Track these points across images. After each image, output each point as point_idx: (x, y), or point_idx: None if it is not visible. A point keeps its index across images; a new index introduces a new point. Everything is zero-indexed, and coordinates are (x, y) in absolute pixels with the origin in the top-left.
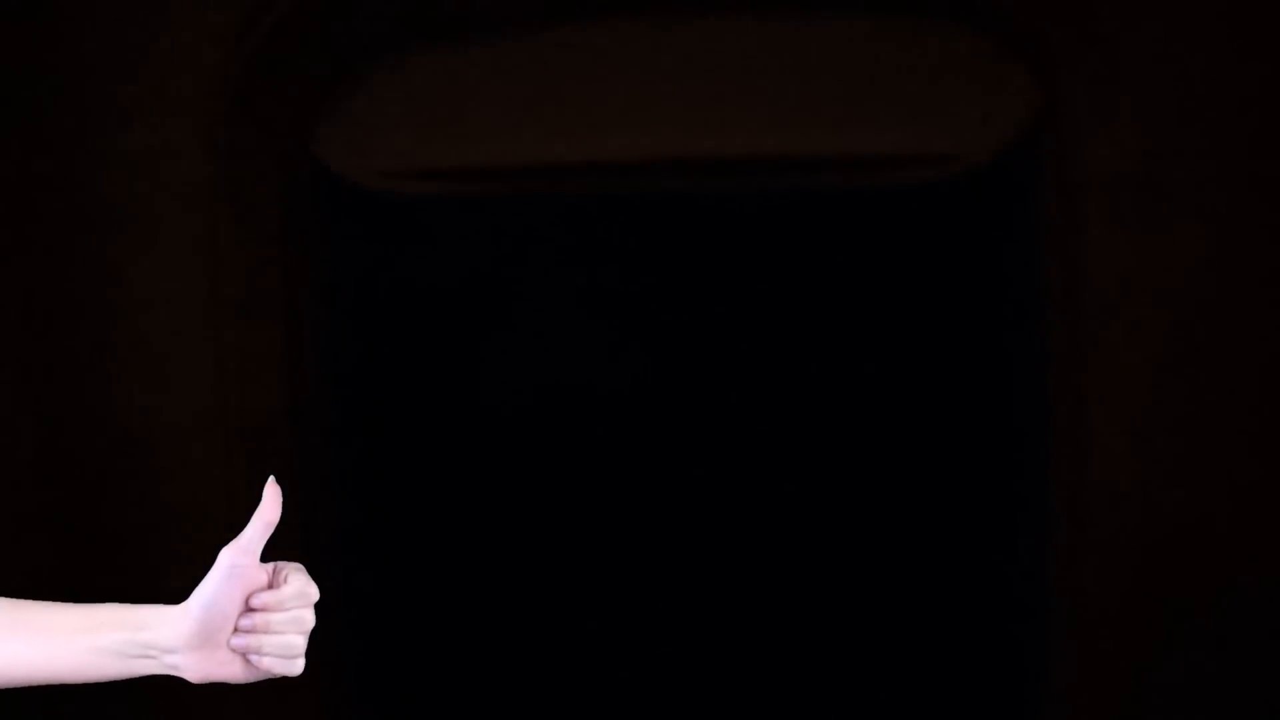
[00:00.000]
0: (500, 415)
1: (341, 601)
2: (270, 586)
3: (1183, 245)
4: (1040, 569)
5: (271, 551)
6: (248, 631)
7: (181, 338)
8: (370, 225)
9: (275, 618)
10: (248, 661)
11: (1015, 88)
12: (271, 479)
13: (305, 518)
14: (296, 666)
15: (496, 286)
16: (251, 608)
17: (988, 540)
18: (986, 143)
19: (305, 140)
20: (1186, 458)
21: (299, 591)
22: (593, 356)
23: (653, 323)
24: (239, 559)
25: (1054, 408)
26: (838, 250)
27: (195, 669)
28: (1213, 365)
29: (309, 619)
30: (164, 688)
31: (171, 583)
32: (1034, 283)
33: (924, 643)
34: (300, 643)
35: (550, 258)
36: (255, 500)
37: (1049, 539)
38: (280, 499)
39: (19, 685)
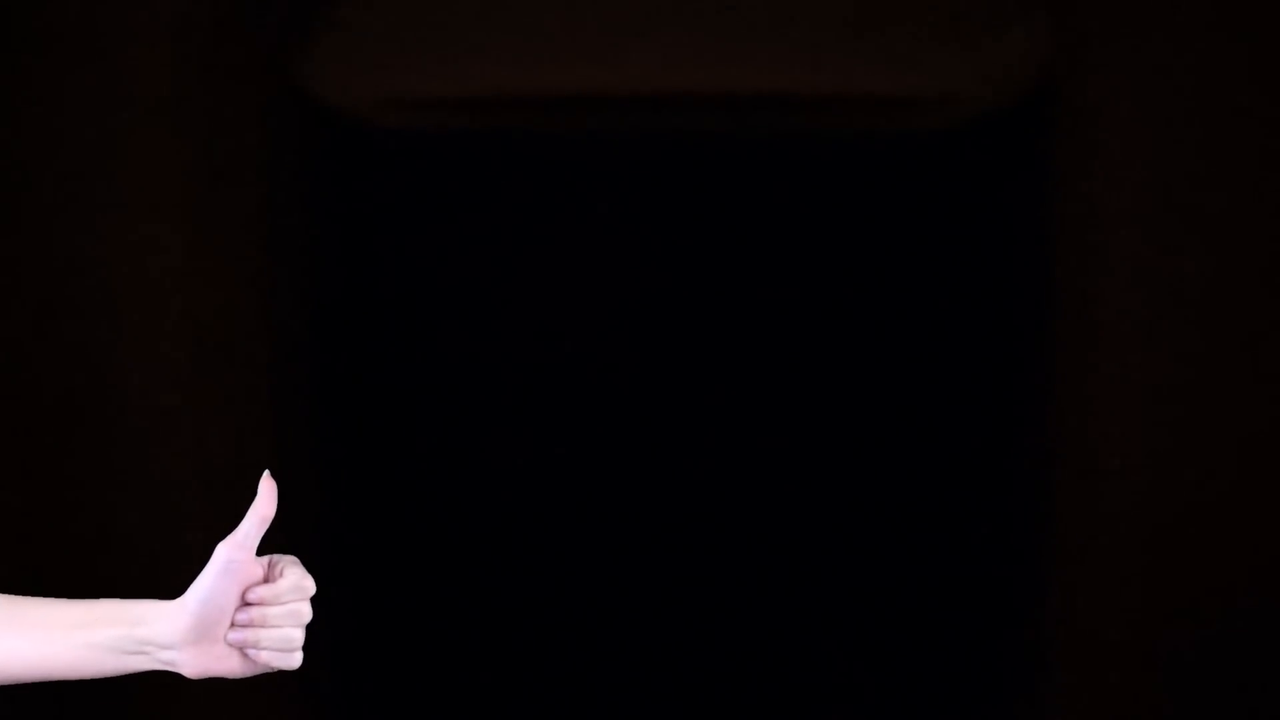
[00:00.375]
0: (486, 360)
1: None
2: (266, 580)
3: (1203, 206)
4: (1040, 542)
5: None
6: (244, 626)
7: (154, 279)
8: (357, 158)
9: (272, 611)
10: (245, 656)
11: (1033, 30)
12: (266, 473)
13: (283, 462)
14: (294, 660)
15: (488, 225)
16: (248, 602)
17: (983, 510)
18: (999, 88)
19: (288, 67)
20: (1198, 430)
21: (295, 585)
22: (576, 305)
23: (637, 267)
24: (235, 554)
25: (1059, 369)
26: (834, 197)
27: (192, 664)
28: (1232, 325)
29: (306, 612)
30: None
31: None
32: (1042, 240)
33: (922, 623)
34: (298, 636)
35: (535, 196)
36: (231, 452)
37: (1052, 499)
38: (275, 493)
39: (13, 682)
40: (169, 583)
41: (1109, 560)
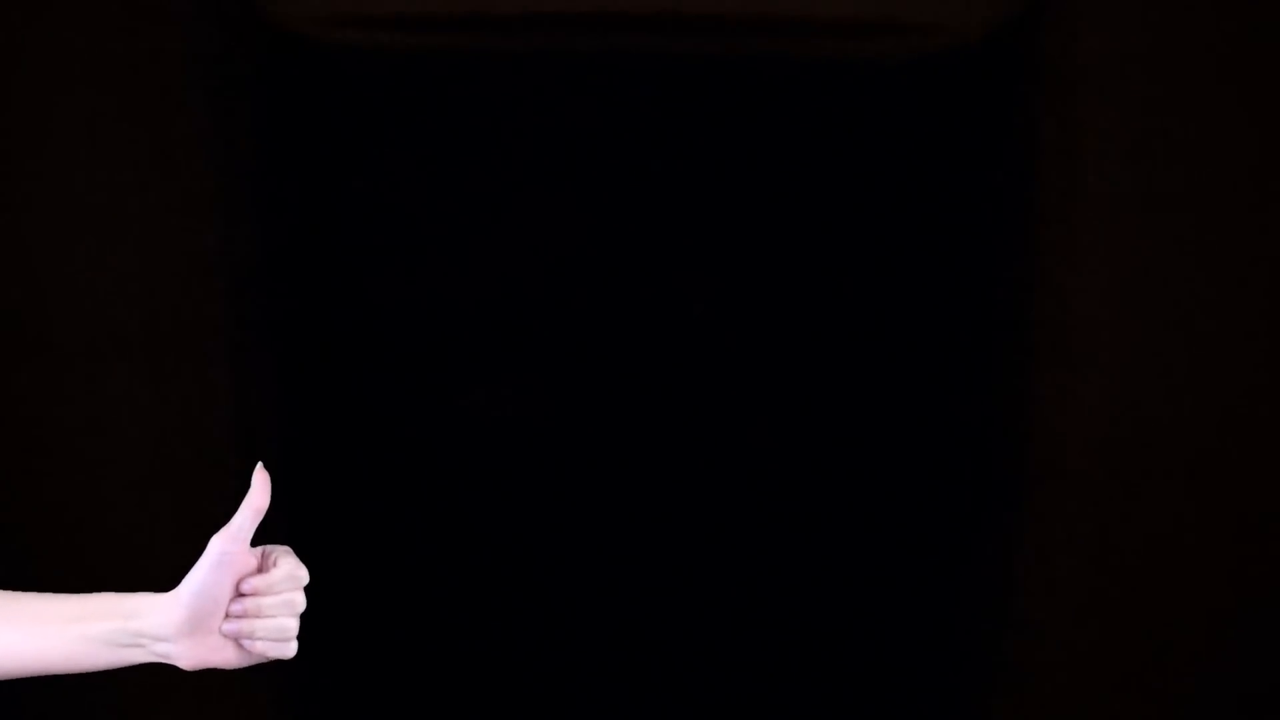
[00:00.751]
0: (453, 297)
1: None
2: (259, 571)
3: (1184, 146)
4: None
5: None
6: (239, 617)
7: (99, 215)
8: (312, 81)
9: (266, 601)
10: (240, 647)
11: None
12: (260, 465)
13: (245, 418)
14: (289, 649)
15: (453, 152)
16: (242, 593)
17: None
18: (978, 15)
19: None
20: (1178, 377)
21: (289, 574)
22: (534, 234)
23: (603, 191)
24: (229, 546)
25: (1038, 316)
26: (804, 127)
27: (187, 656)
28: (1213, 268)
29: (300, 601)
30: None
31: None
32: (1021, 177)
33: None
34: (292, 625)
35: (497, 119)
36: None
37: (1028, 455)
38: (269, 485)
39: (9, 676)
40: (163, 576)
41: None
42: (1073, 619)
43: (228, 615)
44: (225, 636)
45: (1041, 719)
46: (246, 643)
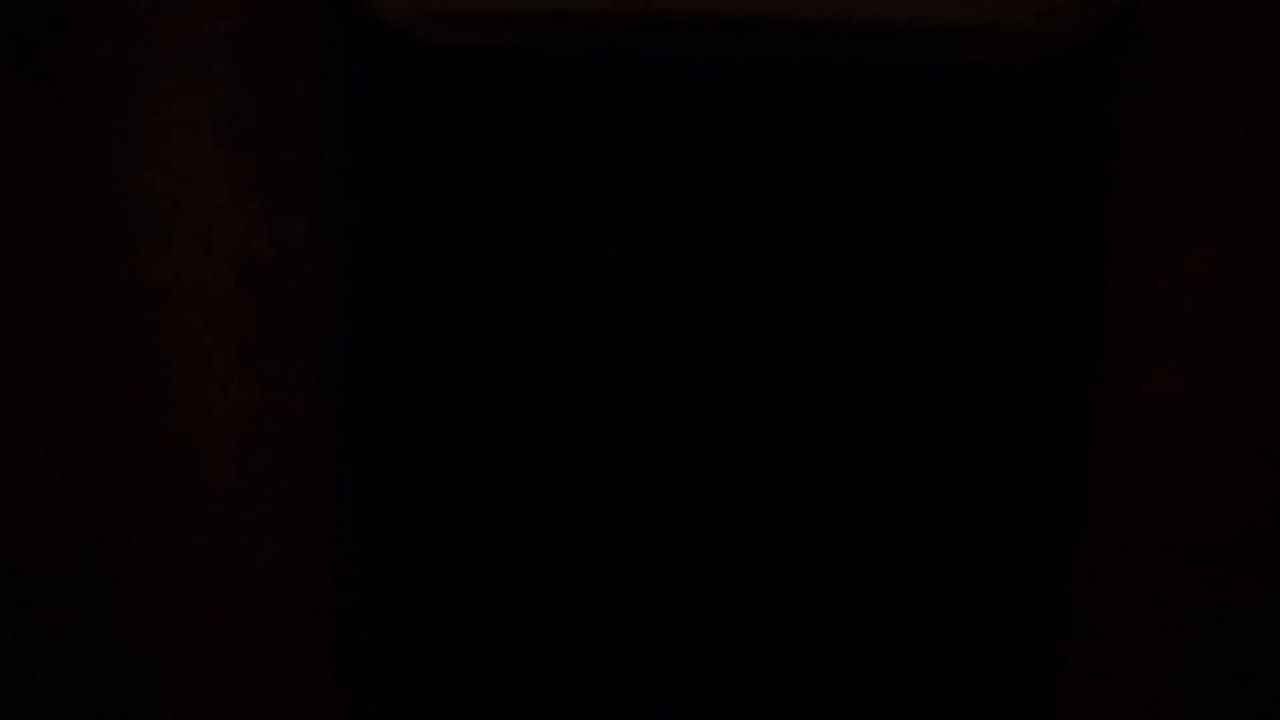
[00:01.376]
0: (551, 292)
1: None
2: None
3: (1271, 155)
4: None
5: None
6: None
7: (199, 200)
8: (416, 80)
9: None
10: None
11: None
12: None
13: (327, 405)
14: None
15: (559, 153)
16: None
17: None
18: (1068, 22)
19: None
20: (1252, 385)
21: None
22: (623, 234)
23: (691, 194)
24: None
25: (1113, 333)
26: (883, 132)
27: None
28: None
29: None
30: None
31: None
32: (1099, 193)
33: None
34: None
35: (590, 116)
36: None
37: (1092, 463)
38: None
39: None
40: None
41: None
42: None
43: None
44: None
45: (1112, 702)
46: None
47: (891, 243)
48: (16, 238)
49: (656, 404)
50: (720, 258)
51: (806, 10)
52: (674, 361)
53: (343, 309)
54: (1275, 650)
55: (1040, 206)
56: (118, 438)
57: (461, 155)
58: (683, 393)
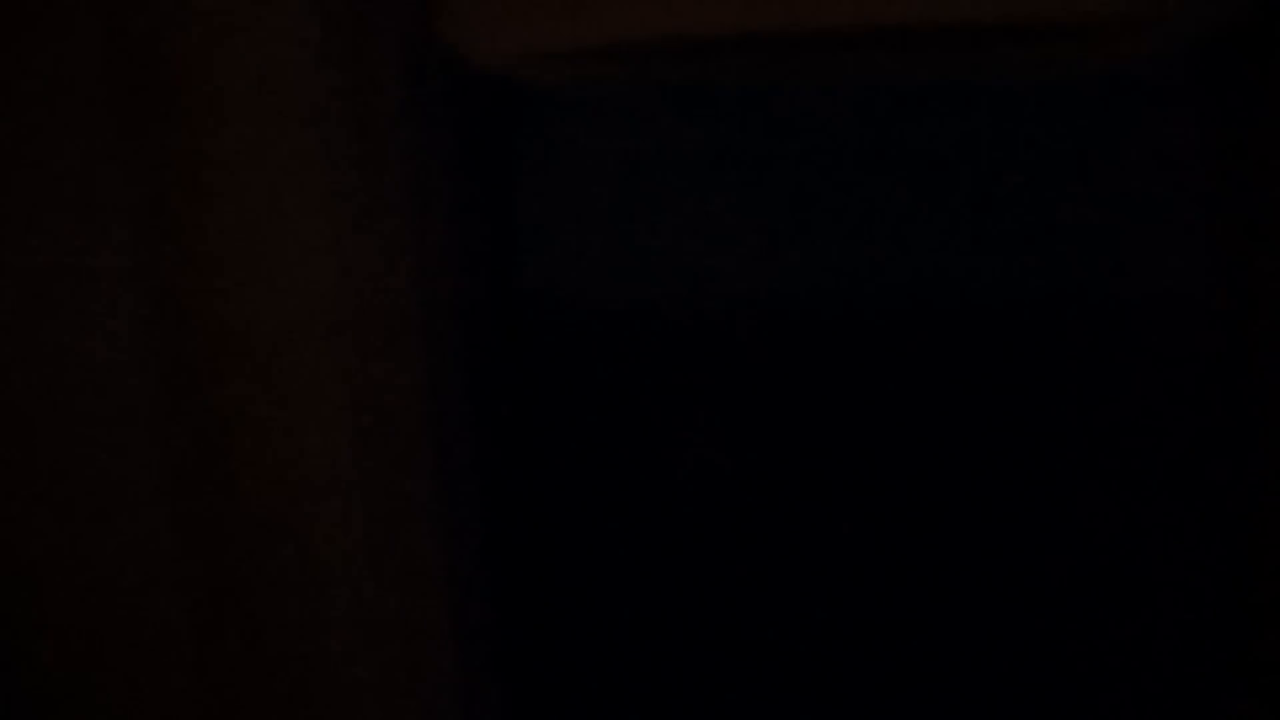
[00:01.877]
0: (657, 328)
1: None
2: None
3: None
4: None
5: None
6: None
7: (293, 251)
8: (505, 119)
9: None
10: None
11: None
12: None
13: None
14: None
15: (652, 190)
16: None
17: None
18: (1204, 13)
19: (429, 20)
20: None
21: None
22: (753, 267)
23: (815, 220)
24: None
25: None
26: (999, 144)
27: None
28: None
29: None
30: None
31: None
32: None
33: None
34: None
35: (702, 149)
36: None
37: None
38: None
39: None
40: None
41: None
42: None
43: None
44: None
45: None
46: None
47: (1062, 254)
48: (142, 273)
49: (807, 417)
50: (873, 288)
51: (939, 17)
52: (821, 376)
53: (455, 361)
54: None
55: (1168, 206)
56: (209, 438)
57: (566, 200)
58: (835, 404)
